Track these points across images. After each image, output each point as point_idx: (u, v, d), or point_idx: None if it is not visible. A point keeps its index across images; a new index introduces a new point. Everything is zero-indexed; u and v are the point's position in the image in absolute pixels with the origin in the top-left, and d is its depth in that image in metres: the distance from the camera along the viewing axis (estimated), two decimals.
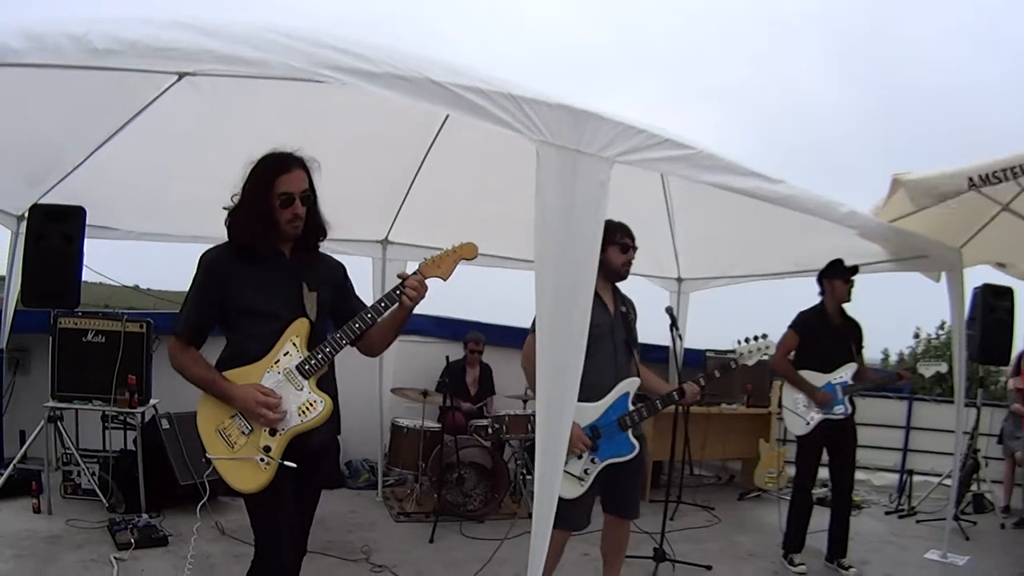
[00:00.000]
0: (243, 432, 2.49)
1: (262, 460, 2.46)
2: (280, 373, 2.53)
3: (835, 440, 4.93)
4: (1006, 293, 6.34)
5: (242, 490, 2.48)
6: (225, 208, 2.61)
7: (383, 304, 2.61)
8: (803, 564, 4.91)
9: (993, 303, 6.31)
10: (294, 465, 2.47)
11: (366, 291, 6.08)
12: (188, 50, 2.34)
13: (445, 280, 2.69)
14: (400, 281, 2.64)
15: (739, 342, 3.69)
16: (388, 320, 2.68)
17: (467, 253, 2.71)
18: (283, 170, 2.55)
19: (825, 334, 4.95)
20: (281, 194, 2.52)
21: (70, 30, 2.28)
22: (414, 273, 2.66)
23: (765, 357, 3.81)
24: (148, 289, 7.45)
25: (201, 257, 2.58)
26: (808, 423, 4.88)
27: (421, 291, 2.62)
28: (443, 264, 2.68)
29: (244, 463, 2.47)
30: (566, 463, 3.37)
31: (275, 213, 2.53)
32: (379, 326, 2.67)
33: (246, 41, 2.37)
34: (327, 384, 2.63)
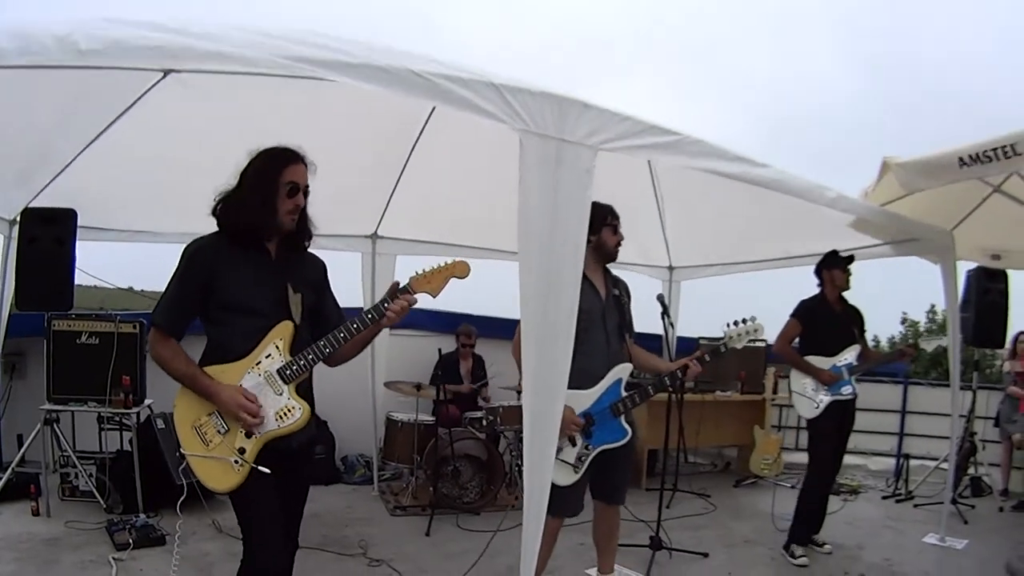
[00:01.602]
0: (219, 431, 2.48)
1: (236, 462, 2.45)
2: (261, 375, 2.51)
3: (841, 422, 4.96)
4: (1000, 275, 6.37)
5: (213, 489, 2.49)
6: (216, 199, 2.60)
7: (371, 316, 2.59)
8: (804, 556, 4.88)
9: (987, 285, 6.35)
10: (267, 471, 2.45)
11: (355, 286, 6.11)
12: (170, 48, 2.34)
13: (434, 297, 2.68)
14: (387, 294, 2.64)
15: (728, 325, 3.71)
16: (358, 340, 2.67)
17: (459, 271, 2.70)
18: (291, 161, 2.59)
19: (827, 320, 4.98)
20: (288, 183, 2.56)
21: (55, 31, 2.29)
22: (404, 288, 2.65)
23: (757, 341, 3.83)
24: (142, 291, 7.45)
25: (186, 247, 2.56)
26: (817, 406, 4.89)
27: (406, 312, 2.63)
28: (434, 280, 2.67)
29: (217, 462, 2.46)
30: (561, 451, 3.39)
31: (278, 201, 2.54)
32: (349, 342, 2.65)
33: (227, 40, 2.38)
34: (305, 390, 2.62)
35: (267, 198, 2.54)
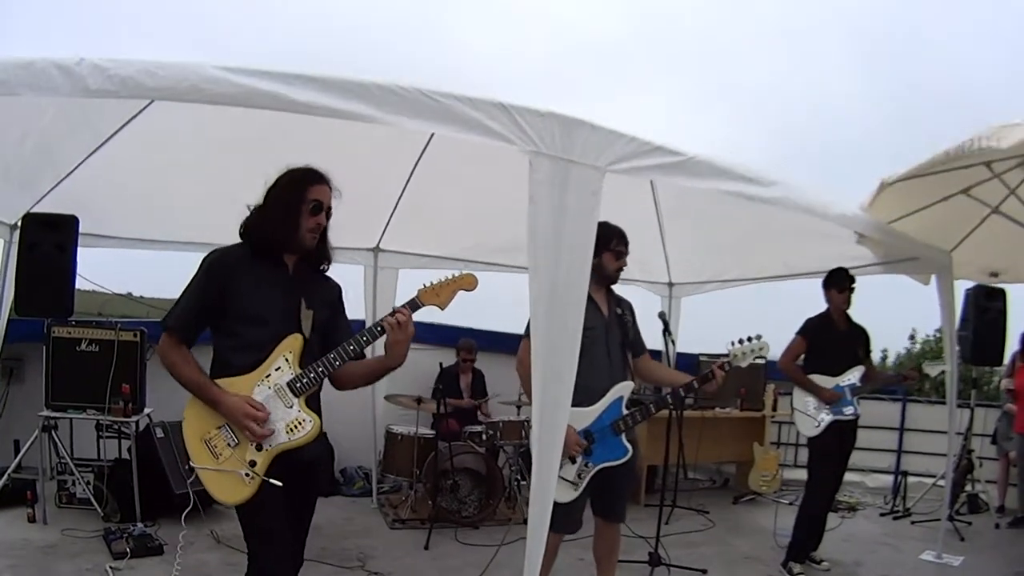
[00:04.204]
0: (229, 444, 2.48)
1: (246, 475, 2.45)
2: (271, 388, 2.51)
3: (842, 441, 4.96)
4: (998, 294, 6.40)
5: (223, 502, 2.49)
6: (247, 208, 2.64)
7: (379, 328, 2.60)
8: (802, 573, 4.88)
9: (985, 304, 6.38)
10: (279, 484, 2.45)
11: (358, 299, 6.12)
12: (178, 90, 2.37)
13: (443, 309, 2.70)
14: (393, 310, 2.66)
15: (732, 343, 3.68)
16: (368, 366, 2.73)
17: (467, 284, 2.71)
18: (317, 180, 2.63)
19: (832, 339, 4.99)
20: (312, 200, 2.59)
21: (60, 60, 2.31)
22: (411, 300, 2.67)
23: (760, 359, 3.82)
24: (140, 297, 7.45)
25: (206, 256, 2.59)
26: (818, 424, 4.89)
27: (406, 323, 2.60)
28: (442, 293, 2.68)
29: (227, 475, 2.46)
30: (560, 467, 3.39)
31: (301, 217, 2.58)
32: (360, 365, 2.69)
33: (243, 80, 2.40)
34: (315, 403, 2.63)
35: (291, 212, 2.57)
